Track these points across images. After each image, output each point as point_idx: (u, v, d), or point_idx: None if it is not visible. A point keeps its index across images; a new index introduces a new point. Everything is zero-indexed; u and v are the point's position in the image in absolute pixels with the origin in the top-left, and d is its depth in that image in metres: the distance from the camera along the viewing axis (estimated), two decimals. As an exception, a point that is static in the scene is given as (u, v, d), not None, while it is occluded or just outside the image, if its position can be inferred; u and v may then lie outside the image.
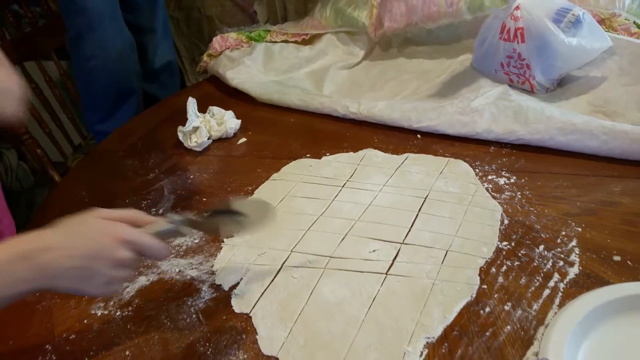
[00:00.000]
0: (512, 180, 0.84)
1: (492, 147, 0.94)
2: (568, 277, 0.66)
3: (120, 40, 1.44)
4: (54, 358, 0.63)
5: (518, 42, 1.01)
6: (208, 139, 1.03)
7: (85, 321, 0.67)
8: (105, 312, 0.68)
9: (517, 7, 1.00)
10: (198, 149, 1.02)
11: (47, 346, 0.64)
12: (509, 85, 1.04)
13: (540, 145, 0.91)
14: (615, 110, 0.94)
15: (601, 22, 1.07)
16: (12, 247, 0.52)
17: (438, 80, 1.15)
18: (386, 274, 0.69)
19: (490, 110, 0.96)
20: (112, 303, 0.69)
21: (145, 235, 0.56)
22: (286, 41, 1.33)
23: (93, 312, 0.68)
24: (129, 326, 0.66)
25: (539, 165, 0.88)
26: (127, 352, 0.62)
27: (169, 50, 1.64)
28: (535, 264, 0.68)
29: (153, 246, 0.56)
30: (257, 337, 0.62)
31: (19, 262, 0.51)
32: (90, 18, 1.36)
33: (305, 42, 1.33)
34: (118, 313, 0.68)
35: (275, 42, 1.33)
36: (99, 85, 1.44)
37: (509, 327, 0.60)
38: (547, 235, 0.73)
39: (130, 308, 0.68)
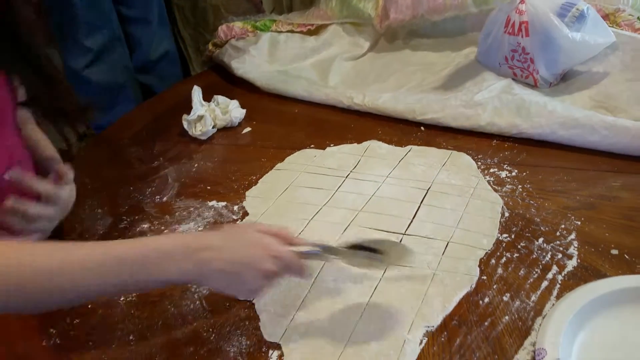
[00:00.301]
0: (513, 174, 0.85)
1: (495, 141, 0.94)
2: (566, 270, 0.67)
3: (108, 36, 1.44)
4: (58, 342, 0.64)
5: (522, 36, 1.01)
6: (213, 127, 1.03)
7: (89, 306, 0.68)
8: (110, 298, 0.69)
9: (522, 1, 1.01)
10: (202, 138, 1.03)
11: (52, 330, 0.65)
12: (513, 79, 1.05)
13: (542, 139, 0.92)
14: (617, 105, 0.94)
15: (605, 17, 1.07)
16: (177, 239, 0.57)
17: (443, 73, 1.16)
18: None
19: (493, 103, 0.97)
20: (117, 288, 0.70)
21: (291, 253, 0.59)
22: (292, 31, 1.33)
23: (98, 297, 0.69)
24: (132, 311, 0.67)
25: (540, 159, 0.88)
26: (131, 337, 0.63)
27: (167, 40, 1.63)
28: (534, 256, 0.69)
29: (296, 264, 0.59)
30: (259, 324, 0.63)
31: (181, 254, 0.54)
32: (74, 12, 1.37)
33: (310, 33, 1.34)
34: (122, 298, 0.69)
35: (281, 32, 1.33)
36: (88, 81, 1.45)
37: (507, 317, 0.61)
38: (547, 228, 0.73)
39: (134, 294, 0.69)
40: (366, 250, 0.62)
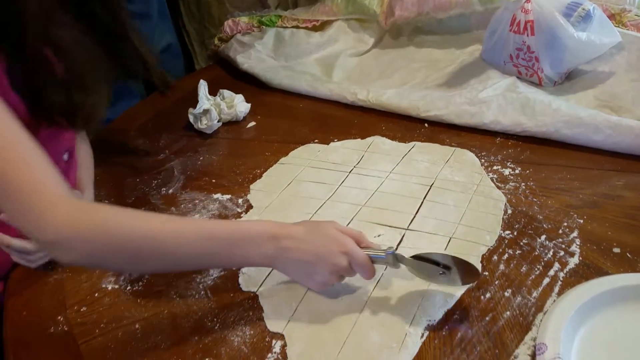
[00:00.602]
0: (516, 171, 0.86)
1: (499, 138, 0.95)
2: (568, 267, 0.67)
3: None
4: (66, 329, 0.65)
5: (528, 35, 1.02)
6: (218, 121, 1.04)
7: (96, 294, 0.69)
8: (116, 287, 0.70)
9: (528, 0, 1.01)
10: (208, 132, 1.03)
11: (59, 317, 0.66)
12: (518, 78, 1.05)
13: (545, 137, 0.92)
14: (622, 105, 0.95)
15: (611, 17, 1.07)
16: (263, 226, 0.62)
17: (447, 70, 1.16)
18: (385, 269, 0.69)
19: (497, 101, 0.97)
20: (122, 278, 0.71)
21: (362, 253, 0.62)
22: (297, 27, 1.34)
23: (104, 286, 0.70)
24: (139, 300, 0.68)
25: (544, 157, 0.89)
26: (137, 326, 0.64)
27: (169, 33, 1.62)
28: (536, 253, 0.70)
29: (365, 264, 0.62)
30: (263, 314, 0.64)
31: (266, 240, 0.60)
32: None
33: (315, 28, 1.34)
34: (128, 288, 0.70)
35: (286, 27, 1.33)
36: None
37: (508, 312, 0.62)
38: (549, 226, 0.74)
39: (140, 283, 0.70)
40: (432, 264, 0.61)
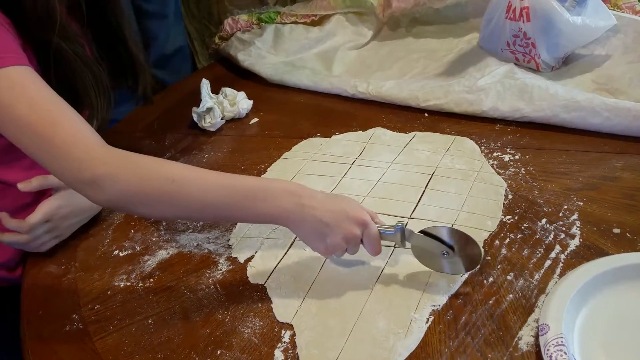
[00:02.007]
0: (516, 157, 0.87)
1: (498, 125, 0.96)
2: (569, 249, 0.69)
3: None
4: (81, 327, 0.66)
5: (524, 22, 1.02)
6: (221, 119, 1.06)
7: (109, 292, 0.71)
8: (128, 284, 0.72)
9: (523, -14, 1.02)
10: (212, 129, 1.05)
11: (74, 315, 0.68)
12: (515, 64, 1.06)
13: (544, 122, 0.93)
14: (619, 87, 0.95)
15: (606, 0, 1.08)
16: (285, 183, 0.65)
17: (445, 60, 1.17)
18: (394, 246, 0.72)
19: (496, 88, 0.98)
20: (134, 275, 0.73)
21: (375, 227, 0.64)
22: (296, 22, 1.35)
23: (116, 283, 0.72)
24: (150, 296, 0.69)
25: (543, 142, 0.90)
26: (150, 321, 0.66)
27: (181, 36, 1.65)
28: (537, 237, 0.71)
29: (375, 238, 0.64)
30: (272, 305, 0.66)
31: (287, 195, 0.62)
32: None
33: (314, 23, 1.35)
34: (140, 284, 0.71)
35: (285, 23, 1.34)
36: None
37: (511, 295, 0.63)
38: (550, 209, 0.75)
39: (151, 280, 0.72)
40: (436, 240, 0.63)
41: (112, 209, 0.83)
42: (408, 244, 0.65)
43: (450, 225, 0.71)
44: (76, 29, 0.76)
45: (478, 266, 0.65)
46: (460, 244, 0.63)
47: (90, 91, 0.74)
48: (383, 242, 0.65)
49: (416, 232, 0.64)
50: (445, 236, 0.63)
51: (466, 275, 0.66)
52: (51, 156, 0.60)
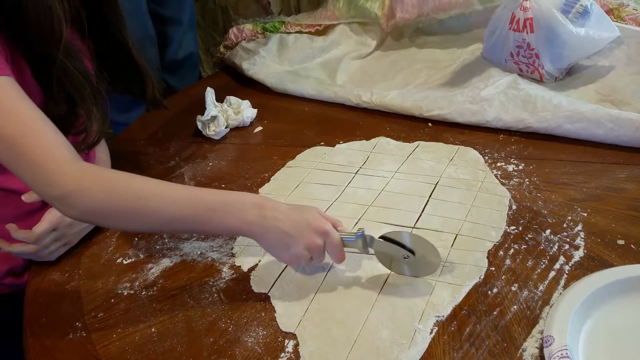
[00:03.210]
0: (520, 167, 0.87)
1: (501, 135, 0.96)
2: (573, 260, 0.68)
3: (141, 35, 1.46)
4: (84, 335, 0.66)
5: (527, 32, 1.03)
6: (225, 127, 1.06)
7: (112, 300, 0.71)
8: (132, 292, 0.72)
9: (527, -2, 1.02)
10: (216, 138, 1.05)
11: (77, 323, 0.68)
12: (519, 75, 1.06)
13: (548, 133, 0.93)
14: (622, 99, 0.96)
15: (609, 12, 1.08)
16: (249, 196, 0.67)
17: (449, 70, 1.17)
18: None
19: (499, 99, 0.99)
20: (137, 284, 0.73)
21: (338, 235, 0.66)
22: (300, 32, 1.35)
23: (120, 292, 0.72)
24: (154, 305, 0.69)
25: (547, 153, 0.90)
26: (153, 329, 0.66)
27: (193, 43, 1.66)
28: (541, 247, 0.71)
29: (337, 246, 0.66)
30: (275, 315, 0.66)
31: (251, 207, 0.64)
32: None
33: (318, 33, 1.36)
34: (143, 293, 0.71)
35: (290, 32, 1.35)
36: None
37: (515, 306, 0.63)
38: (554, 220, 0.75)
39: (155, 288, 0.72)
40: (397, 245, 0.65)
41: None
42: (371, 250, 0.67)
43: (409, 230, 0.73)
44: (77, 40, 0.76)
45: (437, 270, 0.67)
46: (420, 249, 0.65)
47: (87, 101, 0.74)
48: (348, 250, 0.67)
49: (377, 238, 0.66)
50: (405, 241, 0.65)
51: (470, 286, 0.66)
52: (24, 169, 0.61)
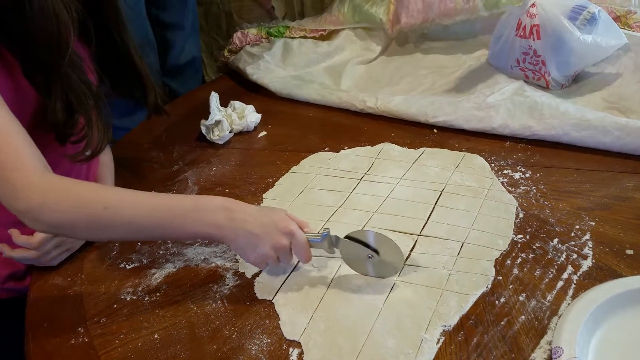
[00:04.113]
0: (527, 175, 0.86)
1: (508, 142, 0.96)
2: (581, 270, 0.68)
3: (140, 40, 1.46)
4: (86, 340, 0.65)
5: (534, 39, 1.02)
6: (229, 132, 1.05)
7: (115, 305, 0.70)
8: (135, 298, 0.71)
9: (533, 5, 1.02)
10: (220, 142, 1.05)
11: (80, 329, 0.67)
12: (525, 81, 1.06)
13: (555, 140, 0.93)
14: (630, 107, 0.95)
15: (617, 19, 1.08)
16: (218, 200, 0.67)
17: (454, 76, 1.17)
18: (403, 264, 0.71)
19: (506, 105, 0.98)
20: (140, 289, 0.72)
21: (303, 235, 0.67)
22: (304, 37, 1.35)
23: (122, 297, 0.71)
24: (157, 311, 0.68)
25: (554, 161, 0.89)
26: (156, 336, 0.65)
27: (195, 48, 1.66)
28: (549, 257, 0.70)
29: (303, 246, 0.67)
30: (279, 322, 0.65)
31: (221, 211, 0.65)
32: None
33: (323, 38, 1.35)
34: (147, 298, 0.71)
35: (294, 37, 1.35)
36: None
37: (523, 317, 0.62)
38: (561, 229, 0.74)
39: (158, 294, 0.71)
40: (362, 245, 0.67)
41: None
42: (337, 250, 0.68)
43: (375, 230, 0.73)
44: (79, 46, 0.75)
45: (400, 270, 0.69)
46: (384, 248, 0.66)
47: (89, 109, 0.74)
48: (317, 251, 0.68)
49: (342, 238, 0.67)
50: (370, 240, 0.66)
51: (477, 295, 0.65)
52: None
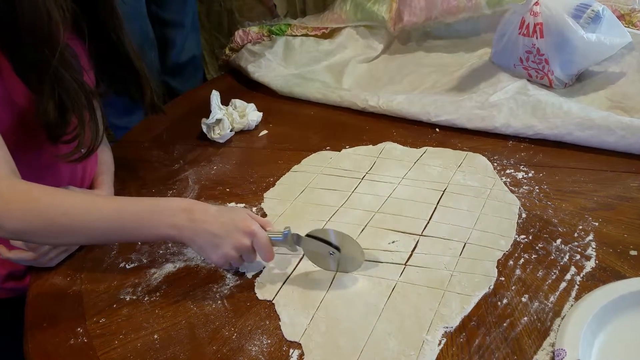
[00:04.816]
0: (530, 175, 0.86)
1: (511, 142, 0.95)
2: (584, 271, 0.67)
3: (140, 38, 1.46)
4: (85, 340, 0.65)
5: (537, 38, 1.02)
6: (230, 131, 1.05)
7: (114, 306, 0.70)
8: (134, 298, 0.71)
9: (537, 3, 1.01)
10: (221, 141, 1.04)
11: (79, 329, 0.67)
12: (528, 80, 1.05)
13: (558, 140, 0.92)
14: (634, 106, 0.94)
15: (621, 17, 1.07)
16: (178, 201, 0.70)
17: (457, 74, 1.16)
18: (405, 264, 0.70)
19: (508, 104, 0.97)
20: (140, 289, 0.72)
21: (265, 234, 0.68)
22: (306, 35, 1.34)
23: (122, 297, 0.71)
24: (157, 311, 0.68)
25: (557, 160, 0.89)
26: (155, 336, 0.65)
27: (195, 45, 1.66)
28: (552, 257, 0.70)
29: (264, 245, 0.68)
30: (280, 323, 0.65)
31: (180, 212, 0.66)
32: None
33: (325, 36, 1.35)
34: (146, 298, 0.70)
35: (296, 35, 1.34)
36: None
37: (525, 318, 0.62)
38: (564, 229, 0.74)
39: (158, 294, 0.71)
40: (324, 243, 0.68)
41: None
42: (299, 248, 0.70)
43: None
44: (75, 42, 0.75)
45: (360, 266, 0.70)
46: (345, 245, 0.68)
47: (81, 109, 0.73)
48: (281, 249, 0.70)
49: (304, 236, 0.69)
50: (331, 238, 0.68)
51: (479, 296, 0.65)
52: None
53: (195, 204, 0.68)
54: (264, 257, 0.69)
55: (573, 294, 0.64)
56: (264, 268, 0.72)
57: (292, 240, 0.69)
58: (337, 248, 0.68)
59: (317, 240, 0.68)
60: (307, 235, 0.69)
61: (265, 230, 0.69)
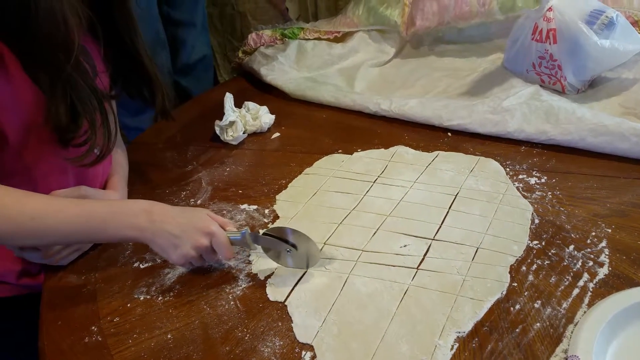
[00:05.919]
0: (542, 180, 0.85)
1: (523, 147, 0.95)
2: (597, 277, 0.67)
3: (151, 39, 1.46)
4: (100, 339, 0.66)
5: (550, 43, 1.02)
6: (243, 133, 1.06)
7: (128, 305, 0.70)
8: (148, 297, 0.71)
9: (550, 9, 1.01)
10: (234, 143, 1.05)
11: (93, 327, 0.67)
12: (540, 86, 1.05)
13: (571, 146, 0.92)
14: (648, 113, 0.94)
15: (635, 23, 1.07)
16: (139, 203, 0.71)
17: (469, 79, 1.16)
18: (417, 268, 0.71)
19: (521, 110, 0.97)
20: (154, 289, 0.72)
21: (224, 234, 0.70)
22: (319, 38, 1.35)
23: (136, 296, 0.71)
24: (170, 311, 0.69)
25: (570, 166, 0.89)
26: (169, 336, 0.65)
27: (206, 45, 1.67)
28: (565, 264, 0.69)
29: (223, 244, 0.70)
30: (292, 325, 0.65)
31: (141, 214, 0.69)
32: None
33: (337, 40, 1.35)
34: (160, 298, 0.71)
35: (308, 39, 1.35)
36: None
37: (538, 324, 0.62)
38: (577, 236, 0.74)
39: (171, 294, 0.71)
40: (280, 241, 0.71)
41: None
42: (257, 246, 0.72)
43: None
44: (89, 43, 0.75)
45: (316, 263, 0.72)
46: (301, 243, 0.70)
47: (92, 113, 0.73)
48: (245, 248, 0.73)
49: (261, 235, 0.71)
50: (288, 236, 0.70)
51: (492, 302, 0.65)
52: None
53: (156, 205, 0.70)
54: (223, 255, 0.71)
55: (586, 300, 0.64)
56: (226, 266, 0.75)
57: (250, 239, 0.71)
58: (293, 246, 0.70)
59: (274, 239, 0.71)
60: (264, 234, 0.71)
61: (225, 230, 0.70)
